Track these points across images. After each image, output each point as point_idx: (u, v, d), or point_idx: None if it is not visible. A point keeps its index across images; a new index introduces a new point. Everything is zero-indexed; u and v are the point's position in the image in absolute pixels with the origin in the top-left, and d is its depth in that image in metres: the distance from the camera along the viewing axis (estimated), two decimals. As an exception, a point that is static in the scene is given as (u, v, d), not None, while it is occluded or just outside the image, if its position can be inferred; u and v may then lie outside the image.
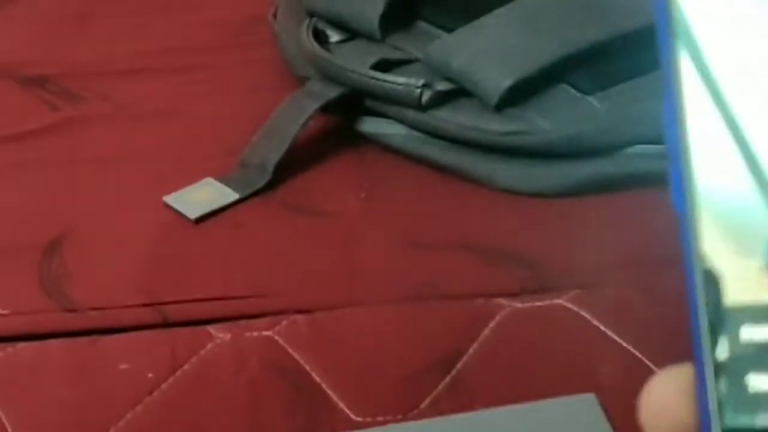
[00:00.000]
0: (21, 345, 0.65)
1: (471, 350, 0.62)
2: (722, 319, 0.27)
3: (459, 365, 0.62)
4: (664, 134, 0.28)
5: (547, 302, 0.65)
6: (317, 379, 0.61)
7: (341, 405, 0.60)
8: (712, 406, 0.27)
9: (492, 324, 0.64)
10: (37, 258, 0.71)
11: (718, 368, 0.27)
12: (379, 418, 0.59)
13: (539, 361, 0.62)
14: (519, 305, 0.65)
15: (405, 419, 0.59)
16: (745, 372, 0.27)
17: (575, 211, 0.74)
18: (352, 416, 0.59)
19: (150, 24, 1.00)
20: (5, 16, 1.02)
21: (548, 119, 0.74)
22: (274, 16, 0.92)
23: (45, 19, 1.01)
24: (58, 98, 0.89)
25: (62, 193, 0.78)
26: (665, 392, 0.28)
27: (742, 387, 0.27)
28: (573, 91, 0.76)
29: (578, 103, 0.75)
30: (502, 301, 0.66)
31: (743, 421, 0.27)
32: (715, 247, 0.27)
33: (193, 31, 0.98)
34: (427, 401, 0.60)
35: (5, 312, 0.67)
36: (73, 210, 0.76)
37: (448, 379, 0.61)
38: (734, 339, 0.27)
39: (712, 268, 0.27)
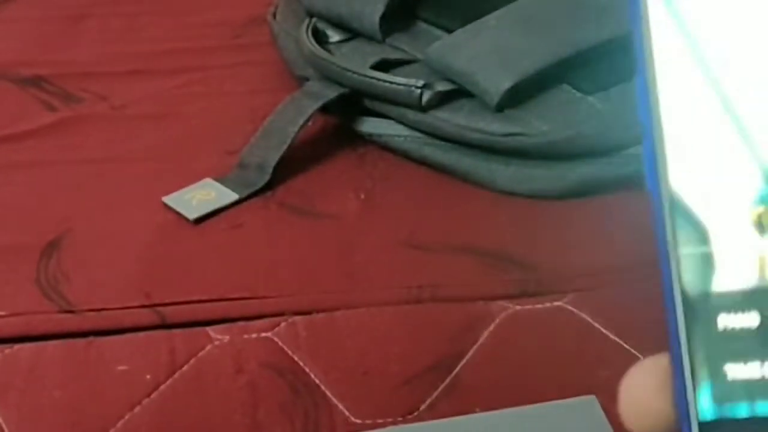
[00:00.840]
0: (18, 346, 0.64)
1: (470, 353, 0.62)
2: (698, 308, 0.27)
3: (458, 368, 0.61)
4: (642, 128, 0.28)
5: (547, 304, 0.65)
6: (316, 380, 0.61)
7: (340, 407, 0.59)
8: (689, 396, 0.27)
9: (491, 326, 0.64)
10: (34, 259, 0.71)
11: (695, 358, 0.27)
12: (378, 421, 0.59)
13: (539, 363, 0.62)
14: (518, 308, 0.65)
15: (404, 422, 0.58)
16: (723, 361, 0.27)
17: (575, 213, 0.73)
18: (351, 418, 0.59)
19: (148, 25, 1.00)
20: (2, 17, 1.02)
21: (547, 121, 0.74)
22: (274, 16, 0.92)
23: (42, 19, 1.01)
24: (55, 98, 0.89)
25: (60, 194, 0.78)
26: (644, 383, 0.28)
27: (720, 376, 0.27)
28: (573, 91, 0.75)
29: (578, 103, 0.75)
30: (502, 303, 0.65)
31: (722, 411, 0.26)
32: (688, 234, 0.27)
33: (191, 32, 0.98)
34: (426, 404, 0.59)
35: (2, 313, 0.67)
36: (71, 211, 0.76)
37: (447, 381, 0.60)
38: (711, 328, 0.27)
39: (686, 256, 0.27)
